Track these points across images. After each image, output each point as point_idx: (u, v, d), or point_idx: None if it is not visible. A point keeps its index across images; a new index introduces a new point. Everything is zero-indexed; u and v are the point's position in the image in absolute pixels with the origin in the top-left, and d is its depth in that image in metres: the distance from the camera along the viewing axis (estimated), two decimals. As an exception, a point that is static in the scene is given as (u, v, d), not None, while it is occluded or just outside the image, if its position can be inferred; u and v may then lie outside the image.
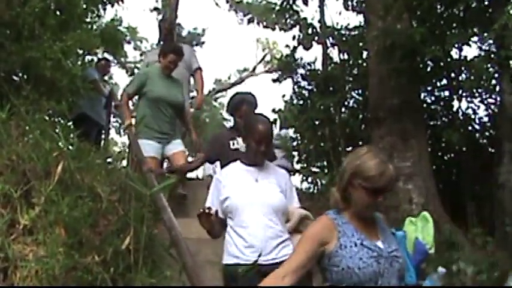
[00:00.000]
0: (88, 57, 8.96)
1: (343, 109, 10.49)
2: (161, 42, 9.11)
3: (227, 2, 21.58)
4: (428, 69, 9.33)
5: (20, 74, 6.80)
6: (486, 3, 8.46)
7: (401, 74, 8.31)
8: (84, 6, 8.05)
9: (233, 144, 5.29)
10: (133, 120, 7.15)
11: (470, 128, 9.70)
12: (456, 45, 9.00)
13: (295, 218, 4.17)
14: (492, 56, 8.53)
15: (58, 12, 7.60)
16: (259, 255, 3.73)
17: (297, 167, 10.44)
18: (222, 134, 5.74)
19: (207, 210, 3.81)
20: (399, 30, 8.35)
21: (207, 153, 5.59)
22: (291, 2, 11.65)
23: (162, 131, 6.80)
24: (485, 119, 9.82)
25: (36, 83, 6.49)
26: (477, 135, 9.72)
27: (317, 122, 10.46)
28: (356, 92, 10.70)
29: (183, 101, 7.24)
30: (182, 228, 4.28)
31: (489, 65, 8.80)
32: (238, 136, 5.13)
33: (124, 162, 7.33)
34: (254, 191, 4.06)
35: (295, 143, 10.75)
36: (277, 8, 12.14)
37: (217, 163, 5.64)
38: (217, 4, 21.78)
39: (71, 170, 4.57)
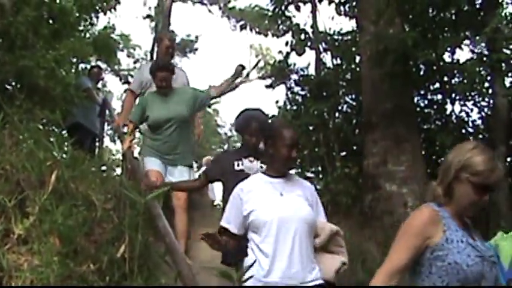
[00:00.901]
0: (81, 66, 8.94)
1: (336, 114, 10.47)
2: (154, 54, 8.95)
3: (220, 8, 21.62)
4: (421, 73, 9.37)
5: (13, 83, 6.80)
6: (477, 6, 8.49)
7: (394, 78, 8.32)
8: (77, 14, 8.04)
9: (238, 165, 4.92)
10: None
11: (463, 131, 9.71)
12: (448, 49, 9.03)
13: (325, 234, 3.89)
14: (484, 59, 8.57)
15: (51, 21, 7.60)
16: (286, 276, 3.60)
17: (292, 172, 10.20)
18: (226, 154, 5.56)
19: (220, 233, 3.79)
20: (391, 34, 8.37)
21: (208, 172, 5.26)
22: (283, 8, 11.67)
23: (164, 152, 6.40)
24: (479, 122, 9.84)
25: (30, 92, 6.47)
26: (471, 138, 9.72)
27: (311, 128, 10.42)
28: (349, 96, 10.72)
29: (187, 113, 6.54)
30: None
31: (481, 68, 8.82)
32: (248, 156, 4.92)
33: (119, 171, 7.31)
34: (281, 205, 3.77)
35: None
36: (270, 14, 12.17)
37: (213, 185, 5.57)
38: (210, 11, 21.81)
39: (65, 179, 4.55)
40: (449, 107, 9.80)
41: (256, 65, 23.89)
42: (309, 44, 11.32)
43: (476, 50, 9.32)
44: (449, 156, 2.87)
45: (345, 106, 10.71)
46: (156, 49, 7.98)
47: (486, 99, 9.65)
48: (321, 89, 10.40)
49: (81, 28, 8.66)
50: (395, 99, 8.56)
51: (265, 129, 4.31)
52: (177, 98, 6.50)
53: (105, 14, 9.53)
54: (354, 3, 10.53)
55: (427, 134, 9.66)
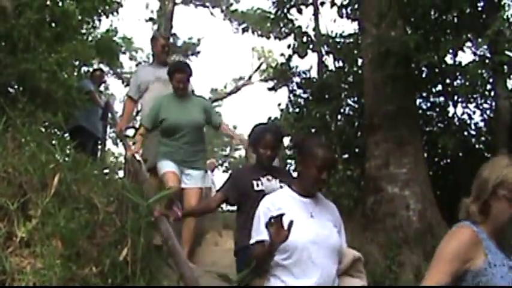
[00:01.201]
0: (84, 69, 8.94)
1: (339, 116, 10.45)
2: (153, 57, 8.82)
3: (222, 11, 21.67)
4: (423, 75, 9.35)
5: (16, 86, 6.79)
6: (479, 9, 8.49)
7: (396, 81, 8.32)
8: (79, 17, 8.03)
9: (257, 185, 4.54)
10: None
11: (466, 133, 9.71)
12: (450, 51, 9.02)
13: (348, 261, 3.71)
14: (486, 61, 8.56)
15: (53, 24, 7.60)
16: None
17: (294, 175, 9.98)
18: (244, 172, 5.00)
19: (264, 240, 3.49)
20: (393, 37, 8.38)
21: (226, 193, 4.69)
22: (285, 10, 11.67)
23: (180, 159, 6.20)
24: (481, 124, 9.84)
25: (32, 95, 6.46)
26: (473, 140, 9.72)
27: (313, 130, 10.39)
28: (351, 99, 10.71)
29: (203, 122, 6.44)
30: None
31: (483, 71, 8.82)
32: (266, 174, 4.61)
33: (121, 173, 7.29)
34: (312, 228, 3.55)
35: (292, 151, 10.50)
36: (272, 16, 12.17)
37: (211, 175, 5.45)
38: (212, 14, 21.87)
39: (67, 181, 4.55)
40: (451, 109, 9.82)
41: (259, 67, 23.87)
42: (311, 46, 11.35)
43: (478, 53, 9.32)
44: (485, 172, 2.68)
45: (347, 108, 10.72)
46: (151, 49, 7.79)
47: (488, 102, 9.66)
48: (323, 91, 10.40)
49: (83, 31, 8.65)
50: (397, 102, 8.56)
51: (297, 144, 3.98)
52: (194, 103, 6.37)
53: (107, 17, 9.51)
54: (356, 6, 10.53)
55: (429, 137, 9.66)
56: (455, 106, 9.81)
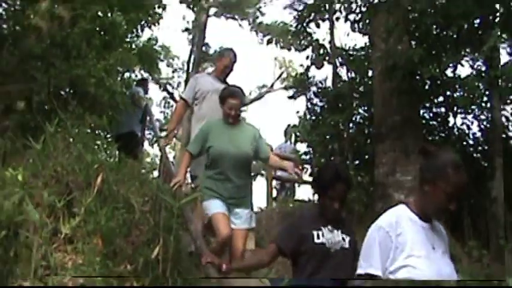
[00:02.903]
0: (127, 75, 8.86)
1: (351, 125, 10.25)
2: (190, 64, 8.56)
3: (249, 24, 21.47)
4: (426, 87, 9.15)
5: (67, 90, 6.73)
6: (476, 26, 8.25)
7: (402, 93, 8.15)
8: (125, 27, 7.94)
9: (317, 236, 3.48)
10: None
11: (464, 143, 9.46)
12: (451, 65, 8.82)
13: None
14: (483, 75, 8.38)
15: (102, 33, 7.54)
16: None
17: (309, 179, 9.58)
18: (302, 219, 3.82)
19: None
20: (400, 51, 8.19)
21: (280, 244, 3.58)
22: (304, 24, 11.48)
23: (227, 196, 4.84)
24: (478, 134, 9.58)
25: (81, 99, 6.41)
26: (471, 149, 9.46)
27: (328, 137, 10.03)
28: (362, 108, 10.48)
29: (252, 154, 5.09)
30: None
31: (480, 84, 8.63)
32: (327, 224, 3.56)
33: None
34: (438, 265, 2.61)
35: (307, 157, 10.27)
36: (293, 30, 12.00)
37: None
38: (240, 25, 21.63)
39: (109, 181, 4.46)
40: (451, 119, 9.55)
41: (280, 76, 23.71)
42: (327, 58, 11.12)
43: (475, 66, 9.15)
44: None
45: (358, 117, 10.49)
46: (192, 60, 7.70)
47: (485, 113, 9.40)
48: (337, 100, 10.14)
49: (128, 40, 8.56)
50: (403, 113, 8.34)
51: (427, 155, 2.77)
52: (244, 132, 5.13)
53: (150, 27, 9.40)
54: (367, 22, 10.31)
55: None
56: (455, 117, 9.55)
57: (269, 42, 17.11)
